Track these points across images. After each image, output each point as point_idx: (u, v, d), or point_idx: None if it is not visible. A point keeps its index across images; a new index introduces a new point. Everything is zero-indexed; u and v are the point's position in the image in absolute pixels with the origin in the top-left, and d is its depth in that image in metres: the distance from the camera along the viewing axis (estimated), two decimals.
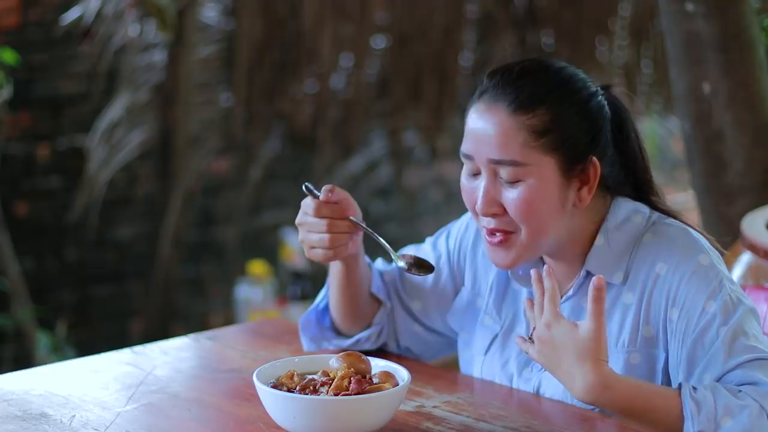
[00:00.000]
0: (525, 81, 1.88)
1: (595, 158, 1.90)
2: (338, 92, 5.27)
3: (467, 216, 2.15)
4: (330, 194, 1.97)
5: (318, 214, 1.97)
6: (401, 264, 2.01)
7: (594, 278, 1.79)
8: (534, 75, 1.90)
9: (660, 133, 6.05)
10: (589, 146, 1.90)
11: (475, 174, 1.92)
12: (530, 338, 1.86)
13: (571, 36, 5.34)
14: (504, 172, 1.87)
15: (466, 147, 1.91)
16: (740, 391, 1.77)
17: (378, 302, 2.16)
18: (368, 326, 2.15)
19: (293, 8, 5.05)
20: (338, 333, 2.17)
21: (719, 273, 1.88)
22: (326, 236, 1.97)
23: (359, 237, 2.05)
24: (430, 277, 2.14)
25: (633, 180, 1.98)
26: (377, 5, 5.16)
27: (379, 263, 2.21)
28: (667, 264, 1.89)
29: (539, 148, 1.86)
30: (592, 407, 1.91)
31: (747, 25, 3.16)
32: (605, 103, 1.93)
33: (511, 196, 1.88)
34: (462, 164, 1.96)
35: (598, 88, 1.94)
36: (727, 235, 2.75)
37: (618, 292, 1.93)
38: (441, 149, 5.61)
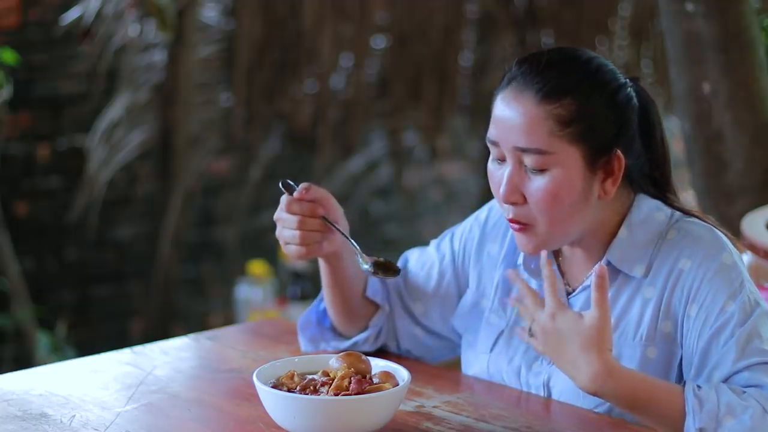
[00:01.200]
0: (553, 70, 1.88)
1: (620, 151, 1.89)
2: (338, 92, 5.27)
3: (471, 218, 2.15)
4: (305, 192, 2.00)
5: (289, 210, 2.01)
6: (366, 267, 2.02)
7: (596, 266, 1.79)
8: (562, 65, 1.89)
9: None
10: (615, 138, 1.89)
11: (501, 160, 1.91)
12: (530, 331, 1.86)
13: (571, 36, 5.34)
14: (529, 160, 1.87)
15: (492, 133, 1.91)
16: (744, 392, 1.77)
17: (375, 305, 2.16)
18: (365, 328, 2.15)
19: (293, 8, 5.05)
20: (337, 334, 2.17)
21: (741, 273, 1.89)
22: (297, 233, 2.00)
23: (338, 236, 2.04)
24: (434, 279, 2.14)
25: (655, 174, 1.98)
26: (377, 5, 5.16)
27: None
28: (691, 260, 1.89)
29: (564, 138, 1.86)
30: (595, 409, 1.91)
31: (747, 25, 3.16)
32: (633, 95, 1.93)
33: (535, 185, 1.87)
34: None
35: (627, 80, 1.94)
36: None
37: (638, 285, 1.93)
38: (441, 149, 5.62)
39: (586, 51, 1.94)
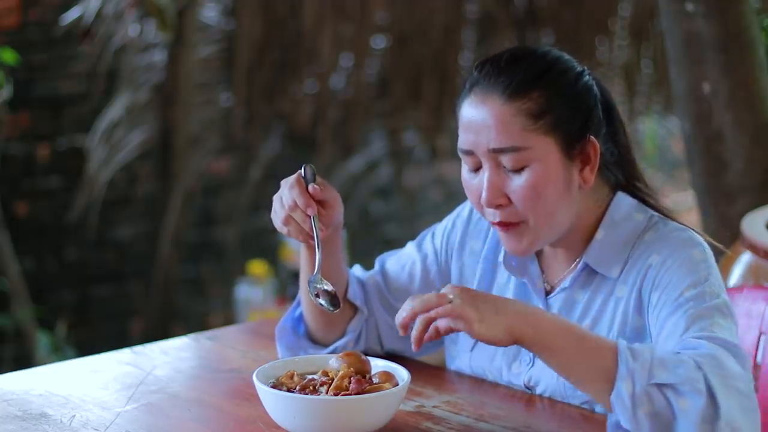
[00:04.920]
0: (514, 67, 1.89)
1: (593, 137, 1.90)
2: (338, 92, 5.27)
3: (453, 215, 2.16)
4: (317, 191, 1.96)
5: (290, 190, 1.97)
6: (314, 283, 1.96)
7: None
8: (522, 61, 1.91)
9: (660, 133, 6.06)
10: (586, 124, 1.91)
11: (477, 169, 1.91)
12: None
13: (571, 36, 5.34)
14: (507, 160, 1.87)
15: (463, 141, 1.91)
16: (679, 353, 1.74)
17: (353, 309, 2.15)
18: (343, 334, 2.14)
19: (293, 8, 5.05)
20: (314, 341, 2.16)
21: (709, 269, 1.87)
22: (282, 212, 1.98)
23: (326, 235, 2.01)
24: (418, 276, 2.14)
25: (623, 160, 1.98)
26: (377, 5, 5.16)
27: (358, 270, 2.20)
28: (661, 255, 1.89)
29: (538, 131, 1.86)
30: (583, 404, 1.91)
31: (747, 25, 3.16)
32: (593, 82, 1.95)
33: (517, 183, 1.87)
34: (461, 164, 1.96)
35: (584, 68, 1.96)
36: (727, 236, 2.76)
37: (613, 285, 1.93)
38: (441, 149, 5.62)
39: (539, 46, 1.96)
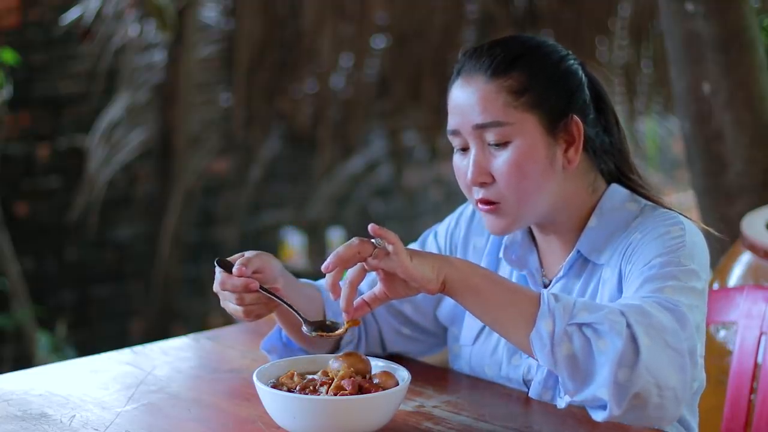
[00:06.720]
0: (497, 49, 1.94)
1: (576, 117, 1.92)
2: (338, 92, 5.27)
3: (456, 214, 2.17)
4: (243, 269, 1.92)
5: (224, 288, 1.94)
6: (306, 329, 1.91)
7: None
8: (505, 43, 1.96)
9: (660, 133, 6.06)
10: (569, 104, 1.93)
11: (465, 150, 1.95)
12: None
13: (571, 36, 5.34)
14: (490, 136, 1.90)
15: (451, 123, 1.96)
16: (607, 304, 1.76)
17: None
18: (338, 348, 2.12)
19: (293, 8, 5.05)
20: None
21: (683, 244, 1.87)
22: (239, 308, 1.95)
23: (283, 286, 1.99)
24: None
25: (615, 148, 1.99)
26: (377, 5, 5.17)
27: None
28: (641, 233, 1.91)
29: (520, 107, 1.90)
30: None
31: (747, 25, 3.16)
32: (578, 66, 1.98)
33: (500, 161, 1.90)
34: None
35: (569, 52, 1.99)
36: (727, 235, 2.75)
37: (601, 271, 1.94)
38: (441, 149, 5.62)
39: (525, 33, 2.00)
